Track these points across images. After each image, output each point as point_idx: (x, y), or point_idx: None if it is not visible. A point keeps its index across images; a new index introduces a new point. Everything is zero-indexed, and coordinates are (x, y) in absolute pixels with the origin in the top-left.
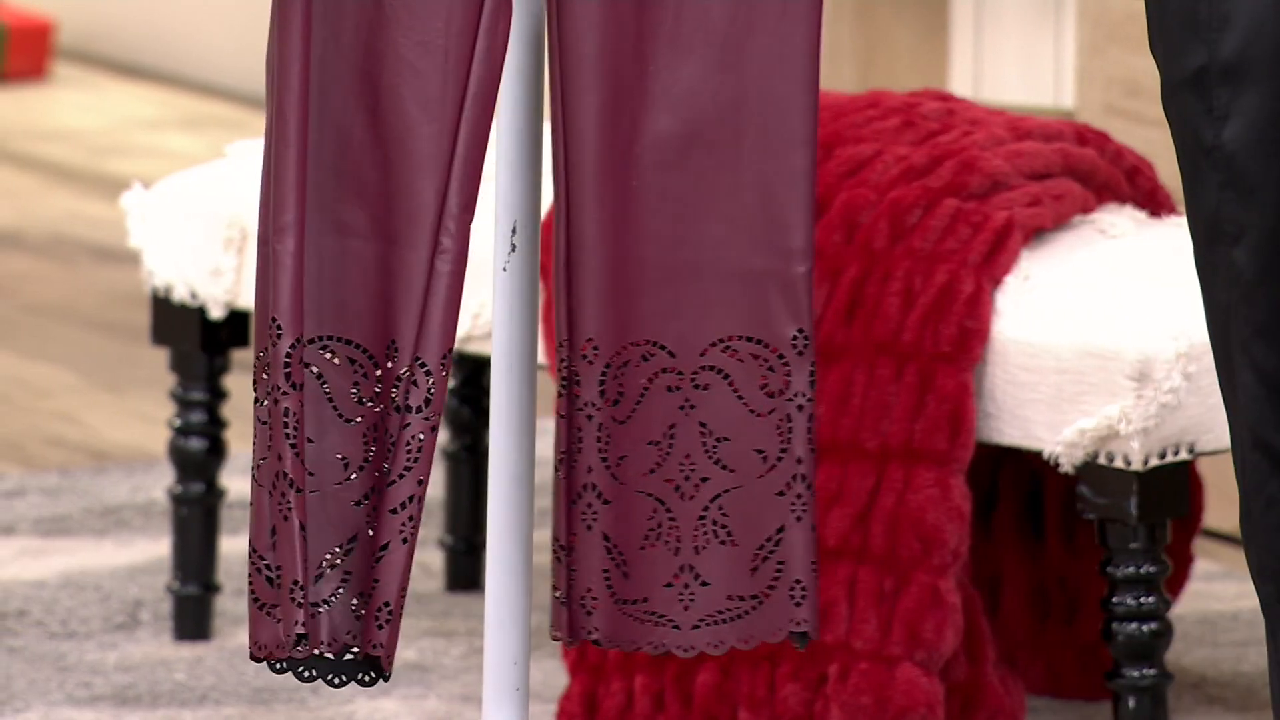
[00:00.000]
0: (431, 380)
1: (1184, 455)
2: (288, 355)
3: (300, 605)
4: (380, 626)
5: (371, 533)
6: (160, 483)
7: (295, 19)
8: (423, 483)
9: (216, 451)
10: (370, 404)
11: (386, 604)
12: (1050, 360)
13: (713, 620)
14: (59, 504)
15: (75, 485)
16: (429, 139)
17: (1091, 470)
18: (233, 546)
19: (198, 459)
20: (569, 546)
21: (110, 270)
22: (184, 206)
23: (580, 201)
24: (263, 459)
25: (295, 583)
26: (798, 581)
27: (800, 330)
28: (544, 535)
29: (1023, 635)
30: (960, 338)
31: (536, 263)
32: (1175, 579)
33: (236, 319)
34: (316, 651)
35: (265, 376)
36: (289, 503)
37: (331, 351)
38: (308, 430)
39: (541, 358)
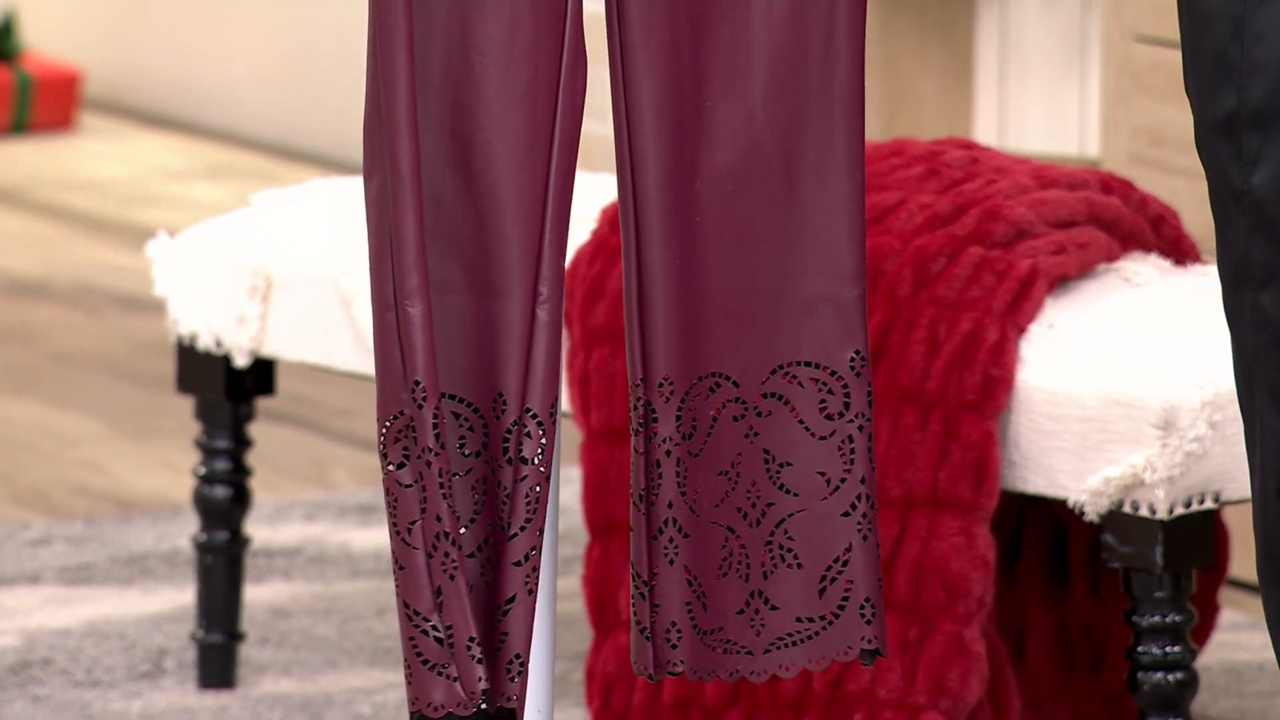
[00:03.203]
0: (543, 430)
1: (1209, 504)
2: (435, 416)
3: (480, 661)
4: (513, 679)
5: (487, 585)
6: (185, 531)
7: (401, 84)
8: (542, 533)
9: (241, 499)
10: (478, 457)
11: (518, 656)
12: (1075, 408)
13: (783, 644)
14: (84, 552)
15: (100, 534)
16: (522, 191)
17: (1117, 519)
18: (257, 595)
19: (222, 507)
20: (652, 582)
21: (136, 319)
22: (209, 255)
23: (648, 241)
24: (413, 521)
25: (471, 639)
26: (867, 600)
27: (857, 352)
28: (566, 584)
29: (1048, 684)
30: (985, 386)
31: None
32: (1201, 629)
33: (261, 367)
34: (482, 706)
35: (407, 439)
36: (453, 562)
37: (441, 408)
38: None
39: (565, 405)
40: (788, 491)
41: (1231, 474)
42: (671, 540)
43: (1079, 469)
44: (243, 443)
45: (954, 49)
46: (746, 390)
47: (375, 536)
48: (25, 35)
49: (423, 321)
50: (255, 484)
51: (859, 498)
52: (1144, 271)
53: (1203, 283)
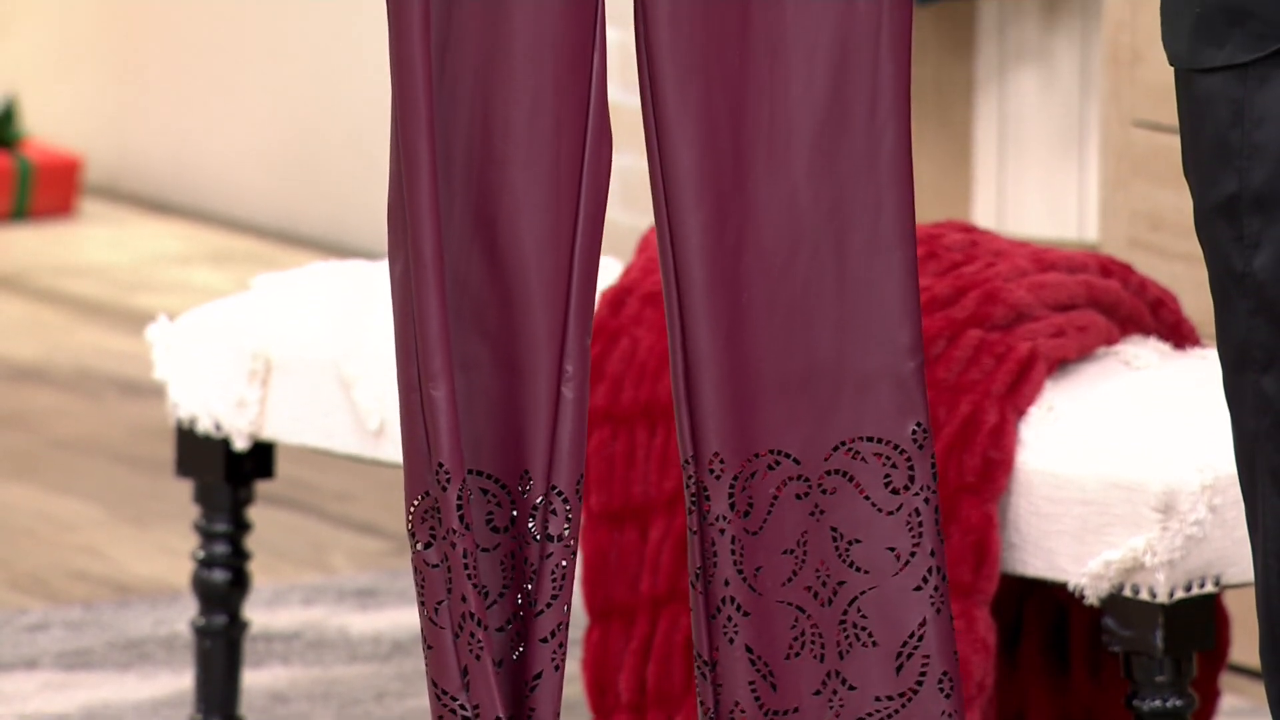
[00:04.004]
0: (569, 507)
1: (1210, 588)
2: (459, 498)
3: None
4: None
5: (516, 658)
6: (183, 615)
7: (422, 166)
8: (568, 608)
9: (240, 584)
10: (505, 533)
11: None
12: (1075, 491)
13: None
14: (82, 637)
15: (98, 619)
16: (547, 269)
17: (1117, 602)
18: (255, 679)
19: (221, 591)
20: (712, 662)
21: (136, 404)
22: (209, 338)
23: (694, 319)
24: (440, 601)
25: (498, 718)
26: (945, 674)
27: (919, 424)
28: (572, 666)
29: None
30: (984, 469)
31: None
32: (1202, 713)
33: (260, 450)
34: None
35: (433, 520)
36: (479, 642)
37: (467, 486)
38: None
39: None
40: (858, 569)
41: (1232, 558)
42: (730, 619)
43: (1079, 552)
44: (242, 526)
45: (953, 133)
46: (809, 468)
47: (374, 621)
48: (26, 121)
49: (446, 404)
50: (254, 568)
51: (930, 571)
52: (1143, 355)
53: (1202, 366)
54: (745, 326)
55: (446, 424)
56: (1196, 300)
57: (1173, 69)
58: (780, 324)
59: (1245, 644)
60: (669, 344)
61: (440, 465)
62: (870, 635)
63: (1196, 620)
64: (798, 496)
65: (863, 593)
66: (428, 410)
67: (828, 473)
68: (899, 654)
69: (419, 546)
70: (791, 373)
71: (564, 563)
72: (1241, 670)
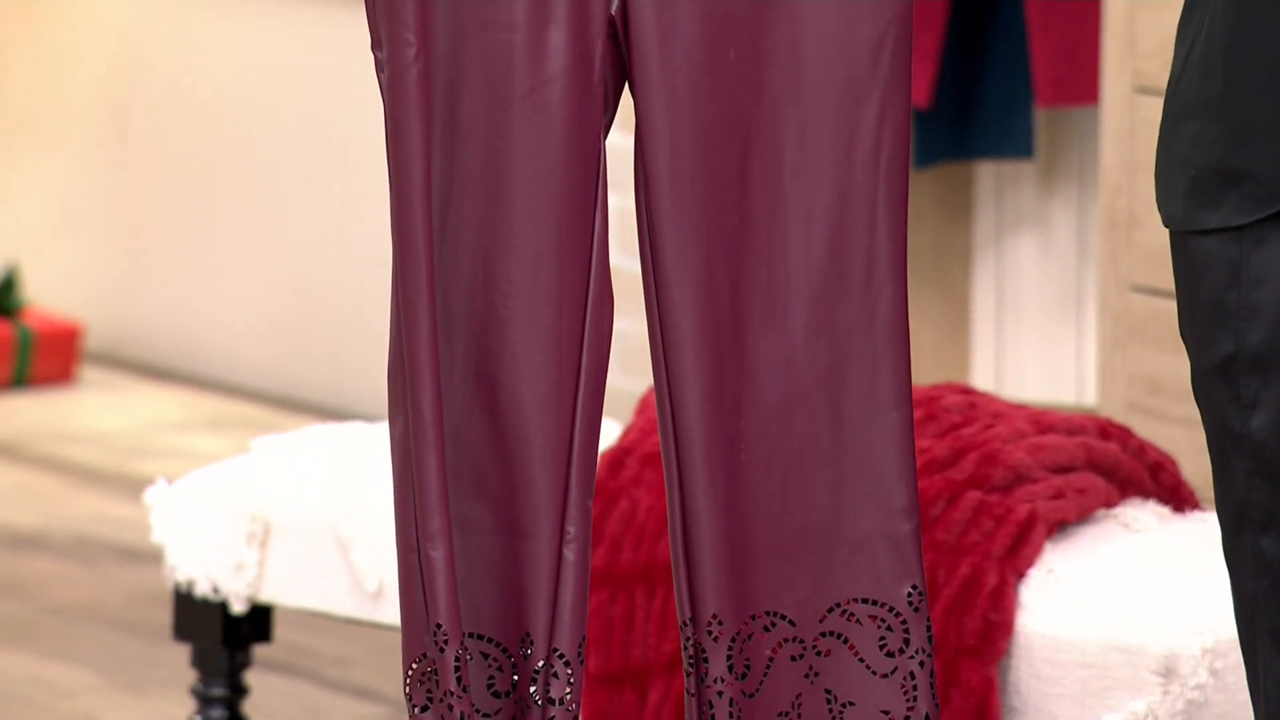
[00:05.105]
0: (570, 670)
1: None
2: (457, 660)
3: None
4: None
5: None
6: None
7: (422, 326)
8: None
9: None
10: (507, 697)
11: None
12: (1075, 654)
13: None
14: None
15: None
16: (547, 431)
17: None
18: None
19: None
20: None
21: (134, 570)
22: (207, 501)
23: (692, 479)
24: None
25: None
26: None
27: (914, 587)
28: None
29: None
30: (984, 631)
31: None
32: None
33: (258, 614)
34: None
35: (430, 682)
36: None
37: (467, 649)
38: None
39: None
40: None
41: None
42: None
43: (1080, 715)
44: (239, 691)
45: (951, 297)
46: (804, 629)
47: None
48: (27, 289)
49: (445, 565)
50: None
51: None
52: (1143, 518)
53: (1202, 529)
54: (743, 487)
55: (445, 585)
56: (1196, 464)
57: (1168, 232)
58: (777, 484)
59: None
60: (667, 504)
61: (438, 626)
62: None
63: None
64: (793, 658)
65: None
66: (426, 571)
67: (822, 634)
68: None
69: (416, 709)
70: (788, 533)
71: None
72: None
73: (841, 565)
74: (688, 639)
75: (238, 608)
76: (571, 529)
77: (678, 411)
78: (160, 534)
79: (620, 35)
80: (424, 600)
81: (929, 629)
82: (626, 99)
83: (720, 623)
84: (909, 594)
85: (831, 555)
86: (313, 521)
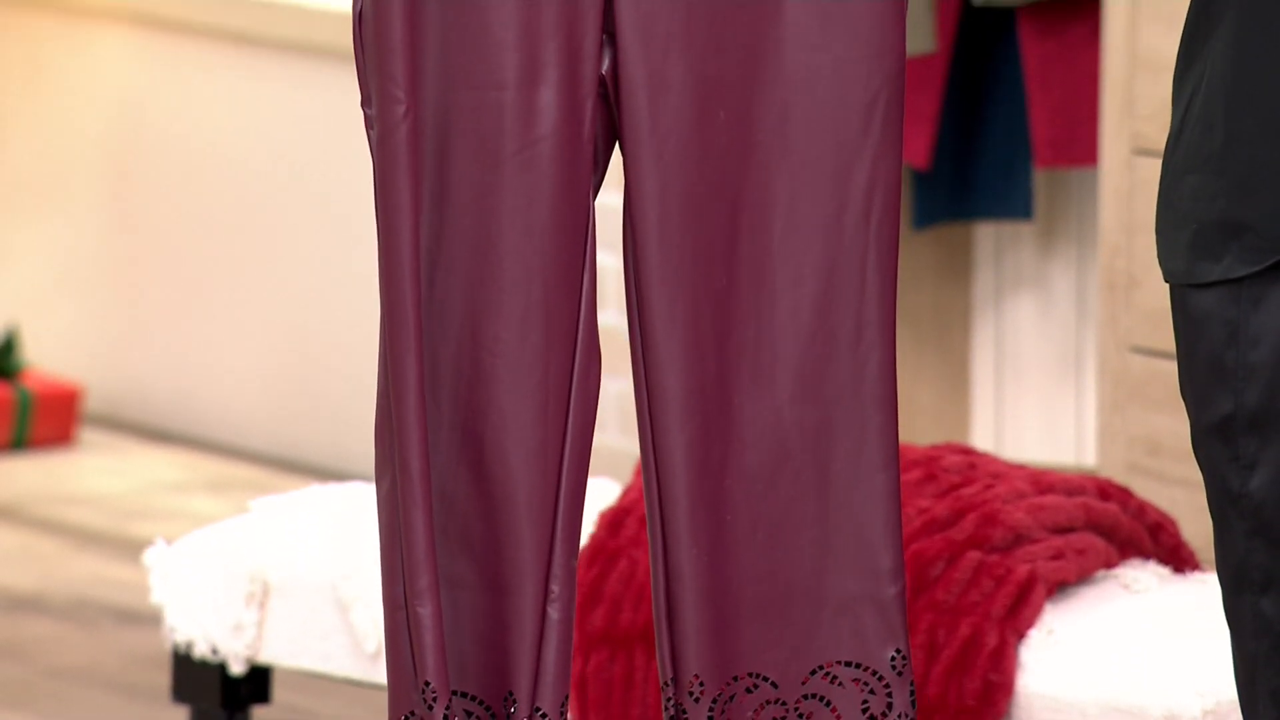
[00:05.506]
0: None
1: None
2: (445, 717)
3: None
4: None
5: None
6: None
7: (410, 383)
8: None
9: None
10: None
11: None
12: (1075, 715)
13: None
14: None
15: None
16: (535, 488)
17: None
18: None
19: None
20: None
21: (132, 632)
22: (206, 562)
23: (676, 539)
24: None
25: None
26: None
27: (898, 650)
28: None
29: None
30: (984, 692)
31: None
32: None
33: (257, 675)
34: None
35: None
36: None
37: (453, 707)
38: None
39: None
40: None
41: None
42: None
43: None
44: None
45: (950, 358)
46: (786, 691)
47: None
48: (26, 352)
49: (432, 621)
50: None
51: None
52: (1143, 578)
53: (1202, 590)
54: (727, 547)
55: (433, 642)
56: (1195, 525)
57: (1168, 291)
58: (762, 545)
59: None
60: (650, 563)
61: (427, 684)
62: None
63: None
64: None
65: None
66: (414, 628)
67: (804, 696)
68: None
69: None
70: (772, 594)
71: None
72: None
73: (825, 627)
74: (669, 699)
75: (236, 669)
76: (556, 587)
77: (662, 470)
78: (159, 595)
79: (611, 94)
80: (411, 657)
81: (912, 693)
82: (617, 158)
83: (702, 684)
84: (893, 658)
85: (815, 617)
86: (312, 582)
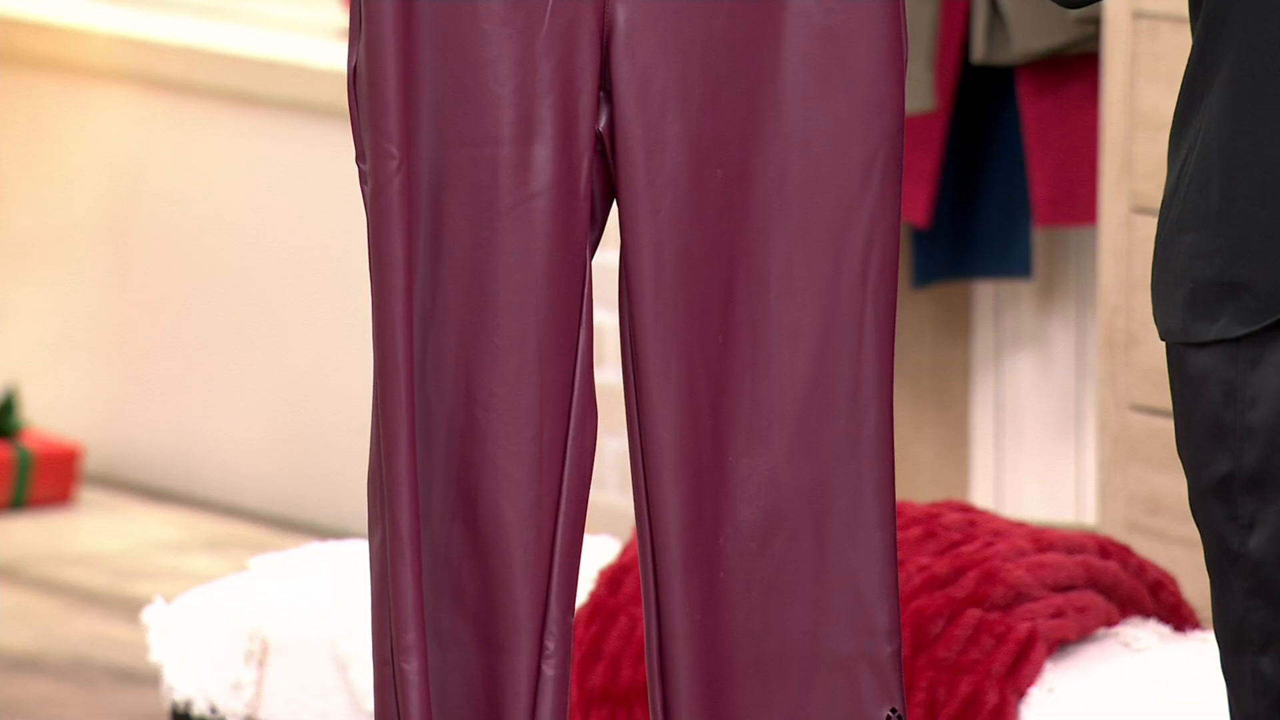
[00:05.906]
0: None
1: None
2: None
3: None
4: None
5: None
6: None
7: (401, 439)
8: None
9: None
10: None
11: None
12: None
13: None
14: None
15: None
16: (529, 545)
17: None
18: None
19: None
20: None
21: (131, 692)
22: (205, 620)
23: (669, 596)
24: None
25: None
26: None
27: (894, 710)
28: None
29: None
30: None
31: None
32: None
33: None
34: None
35: None
36: None
37: None
38: None
39: None
40: None
41: None
42: None
43: None
44: None
45: (950, 417)
46: None
47: None
48: (26, 411)
49: (418, 678)
50: None
51: None
52: (1143, 637)
53: (1202, 649)
54: (720, 605)
55: (418, 699)
56: (1195, 584)
57: (1165, 347)
58: (756, 604)
59: None
60: (644, 621)
61: None
62: None
63: None
64: None
65: None
66: (400, 685)
67: None
68: None
69: None
70: (766, 653)
71: None
72: None
73: (820, 687)
74: None
75: None
76: (551, 645)
77: (656, 527)
78: (158, 653)
79: (608, 151)
80: (397, 714)
81: None
82: (614, 215)
83: None
84: (888, 718)
85: (810, 677)
86: (311, 640)
